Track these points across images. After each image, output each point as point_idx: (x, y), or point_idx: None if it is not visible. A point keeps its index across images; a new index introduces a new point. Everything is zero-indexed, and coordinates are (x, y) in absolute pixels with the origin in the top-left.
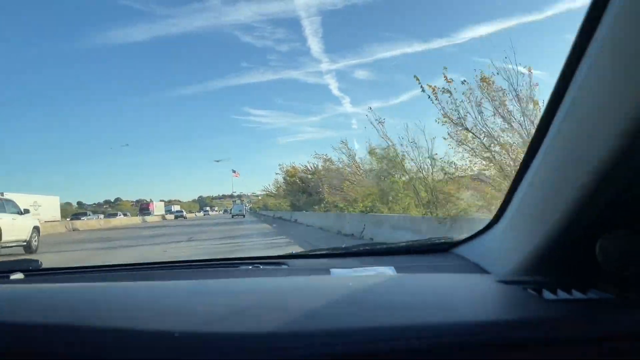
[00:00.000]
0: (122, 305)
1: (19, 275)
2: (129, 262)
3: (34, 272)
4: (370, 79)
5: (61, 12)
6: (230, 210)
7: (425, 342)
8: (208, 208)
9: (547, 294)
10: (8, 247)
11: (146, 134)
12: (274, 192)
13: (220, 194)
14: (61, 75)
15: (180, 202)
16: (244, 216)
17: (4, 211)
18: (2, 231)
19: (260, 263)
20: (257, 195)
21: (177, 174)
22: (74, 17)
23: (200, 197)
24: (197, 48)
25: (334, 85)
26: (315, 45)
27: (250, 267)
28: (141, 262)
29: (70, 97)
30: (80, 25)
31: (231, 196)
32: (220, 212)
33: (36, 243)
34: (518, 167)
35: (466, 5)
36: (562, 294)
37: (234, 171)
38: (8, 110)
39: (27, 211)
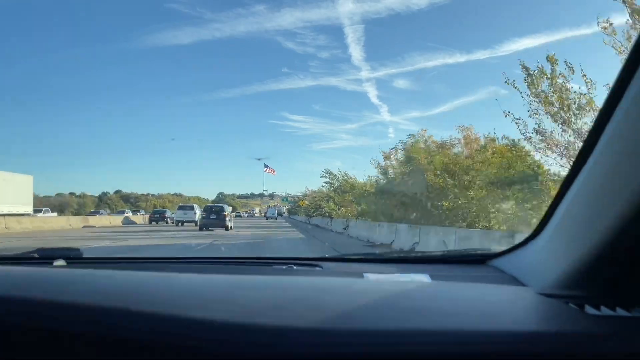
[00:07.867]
0: (159, 292)
1: (61, 262)
2: (164, 256)
3: (75, 259)
4: (410, 89)
5: (113, 15)
6: (265, 213)
7: (467, 348)
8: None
9: (590, 309)
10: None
11: (178, 133)
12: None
13: (249, 192)
14: (110, 74)
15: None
16: (276, 219)
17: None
18: (196, 217)
19: (294, 264)
20: (292, 196)
21: (197, 170)
22: (125, 20)
23: (220, 194)
24: (239, 52)
25: (372, 94)
26: (356, 52)
27: (284, 267)
28: (176, 256)
29: (115, 95)
30: (131, 27)
31: (261, 195)
32: (245, 215)
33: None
34: (562, 180)
35: (511, 18)
36: (605, 310)
37: (266, 166)
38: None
39: (198, 207)
